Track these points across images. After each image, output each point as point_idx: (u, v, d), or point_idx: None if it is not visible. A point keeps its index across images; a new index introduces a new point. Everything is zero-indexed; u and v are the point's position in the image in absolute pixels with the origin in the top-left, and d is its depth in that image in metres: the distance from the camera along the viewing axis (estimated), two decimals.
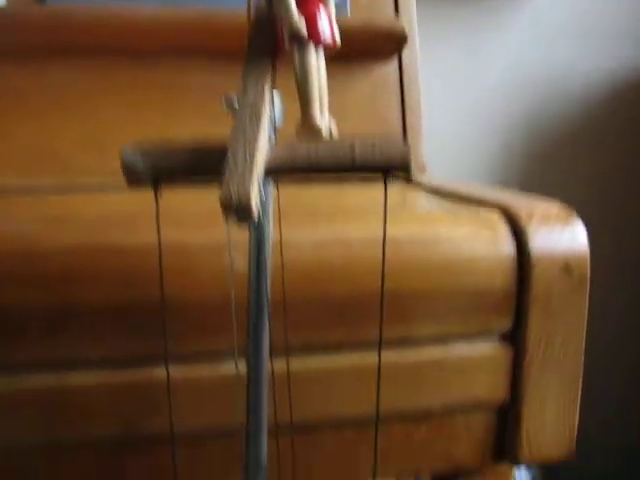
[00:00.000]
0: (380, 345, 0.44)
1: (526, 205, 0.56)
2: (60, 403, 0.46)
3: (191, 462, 0.48)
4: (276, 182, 0.40)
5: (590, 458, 1.21)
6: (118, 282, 0.46)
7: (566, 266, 0.53)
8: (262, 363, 0.43)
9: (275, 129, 0.41)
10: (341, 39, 0.38)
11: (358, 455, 0.51)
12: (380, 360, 0.43)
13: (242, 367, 0.43)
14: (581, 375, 0.56)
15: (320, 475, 0.51)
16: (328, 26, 0.38)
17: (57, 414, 0.46)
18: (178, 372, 0.47)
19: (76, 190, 0.67)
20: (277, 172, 0.34)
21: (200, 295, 0.46)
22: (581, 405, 0.55)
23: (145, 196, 0.35)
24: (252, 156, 0.32)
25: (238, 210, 0.31)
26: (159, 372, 0.46)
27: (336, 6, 0.39)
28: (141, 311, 0.45)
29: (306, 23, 0.37)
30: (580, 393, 0.56)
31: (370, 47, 0.80)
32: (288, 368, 0.46)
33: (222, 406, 0.47)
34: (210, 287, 0.46)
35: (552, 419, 0.55)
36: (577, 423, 0.56)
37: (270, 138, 0.36)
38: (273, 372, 0.43)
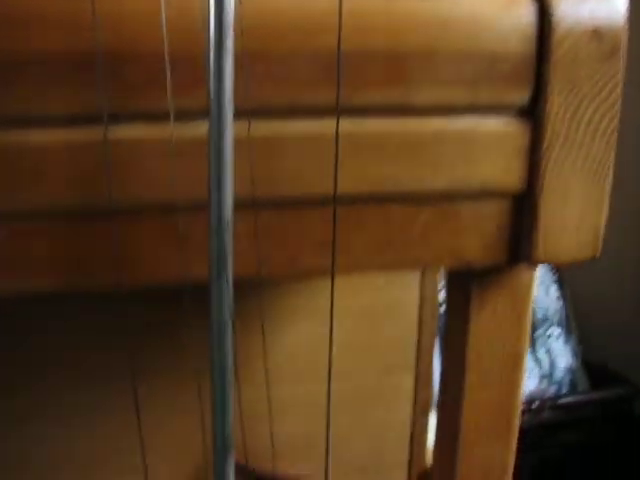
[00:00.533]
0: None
1: None
2: (9, 165, 0.41)
3: (156, 234, 0.43)
4: None
5: None
6: (73, 28, 0.40)
7: (596, 33, 0.46)
8: (225, 124, 0.37)
9: None
10: None
11: (346, 236, 0.46)
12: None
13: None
14: (612, 167, 0.49)
15: (303, 255, 0.46)
16: None
17: (6, 177, 0.41)
18: (140, 132, 0.41)
19: None
20: None
21: (159, 43, 0.40)
22: None
23: None
24: None
25: None
26: (119, 131, 0.41)
27: None
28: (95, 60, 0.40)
29: None
30: (609, 188, 0.49)
31: None
32: (249, 131, 0.40)
33: (193, 173, 0.41)
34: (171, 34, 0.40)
35: (575, 214, 0.49)
36: (604, 221, 0.50)
37: None
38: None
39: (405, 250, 0.47)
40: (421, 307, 0.92)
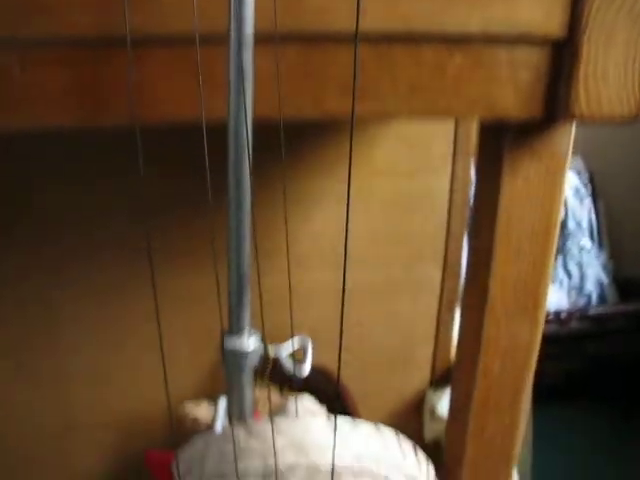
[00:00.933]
0: None
1: None
2: None
3: (173, 68, 0.41)
4: None
5: None
6: None
7: None
8: None
9: None
10: None
11: (373, 79, 0.43)
12: None
13: None
14: None
15: (327, 97, 0.44)
16: None
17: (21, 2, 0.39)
18: None
19: None
20: None
21: None
22: None
23: None
24: None
25: None
26: None
27: None
28: None
29: None
30: None
31: None
32: None
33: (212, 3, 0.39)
34: None
35: (618, 65, 0.46)
36: None
37: None
38: None
39: (436, 97, 0.45)
40: (451, 197, 0.89)
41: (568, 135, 0.52)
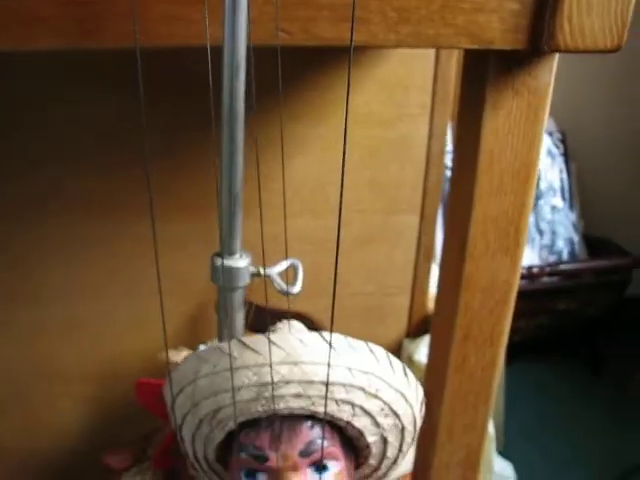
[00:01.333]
0: None
1: None
2: None
3: None
4: None
5: None
6: None
7: None
8: None
9: None
10: None
11: (364, 5, 0.44)
12: None
13: None
14: None
15: (320, 22, 0.44)
16: None
17: None
18: None
19: None
20: None
21: None
22: None
23: None
24: None
25: None
26: None
27: None
28: None
29: None
30: None
31: None
32: None
33: None
34: None
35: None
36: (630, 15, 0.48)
37: None
38: None
39: (424, 25, 0.45)
40: (429, 145, 0.90)
41: (550, 69, 0.52)
